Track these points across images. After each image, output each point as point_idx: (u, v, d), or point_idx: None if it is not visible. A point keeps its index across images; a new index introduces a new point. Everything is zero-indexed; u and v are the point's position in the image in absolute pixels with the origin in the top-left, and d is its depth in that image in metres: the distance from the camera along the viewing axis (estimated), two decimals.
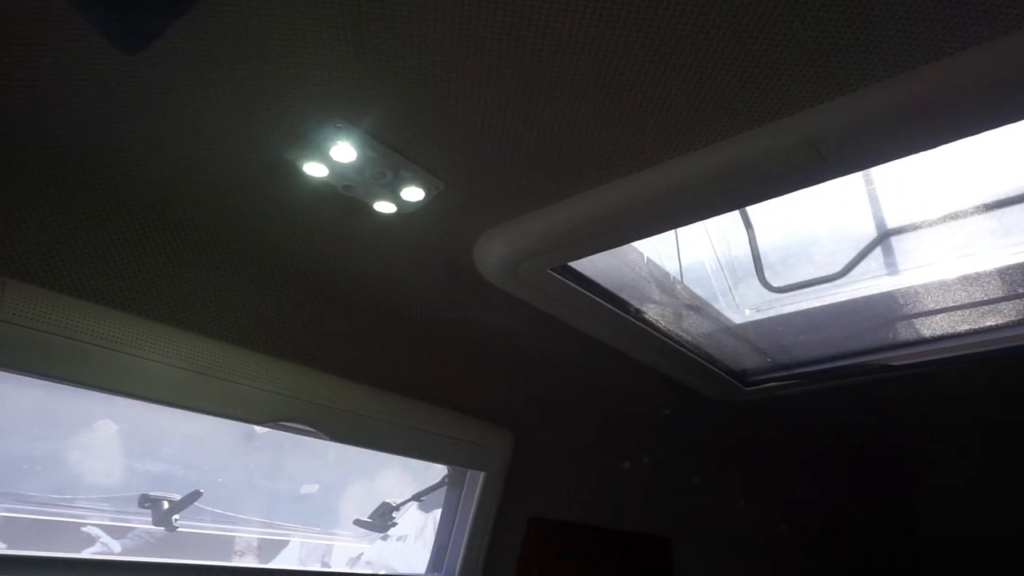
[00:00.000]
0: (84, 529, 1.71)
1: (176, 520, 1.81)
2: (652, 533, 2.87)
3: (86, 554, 1.34)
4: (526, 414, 2.11)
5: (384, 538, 2.21)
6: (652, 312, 1.80)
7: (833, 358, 2.06)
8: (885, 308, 2.06)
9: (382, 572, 1.90)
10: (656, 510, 2.87)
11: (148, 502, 1.78)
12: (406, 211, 1.23)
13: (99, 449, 1.65)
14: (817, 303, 2.17)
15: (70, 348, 1.16)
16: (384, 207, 1.21)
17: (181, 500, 1.80)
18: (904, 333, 2.04)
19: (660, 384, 2.14)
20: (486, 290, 1.52)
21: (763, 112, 1.01)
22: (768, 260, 2.23)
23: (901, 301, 1.95)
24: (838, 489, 3.23)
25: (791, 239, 2.31)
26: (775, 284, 2.21)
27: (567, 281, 1.49)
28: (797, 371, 2.09)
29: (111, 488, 1.72)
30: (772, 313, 2.23)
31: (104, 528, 1.75)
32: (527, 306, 1.60)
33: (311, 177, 1.14)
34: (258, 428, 1.97)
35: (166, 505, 1.80)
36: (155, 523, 1.78)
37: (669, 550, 2.96)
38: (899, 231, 1.97)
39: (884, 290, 2.03)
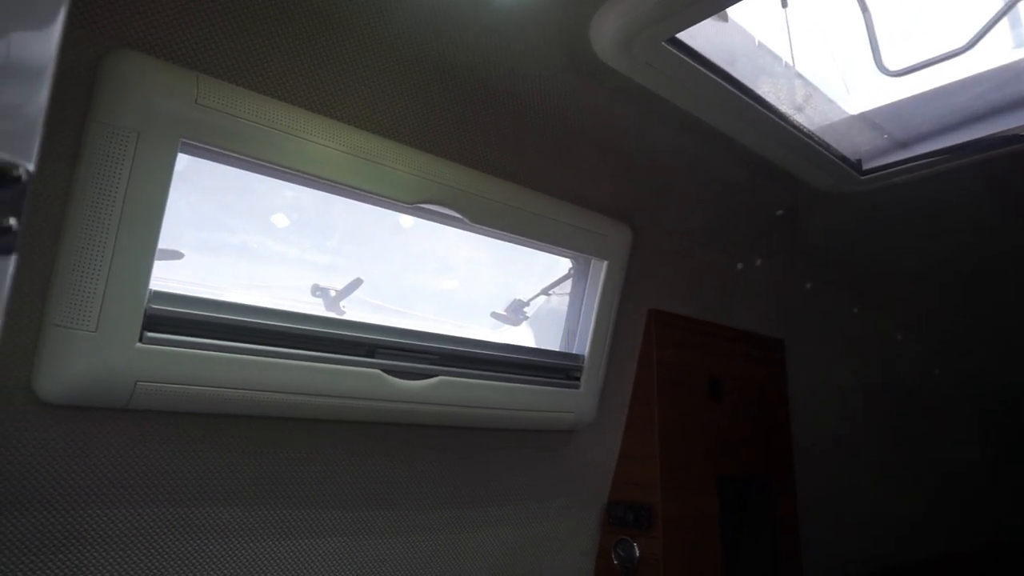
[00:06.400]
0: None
1: (343, 306, 2.12)
2: (765, 334, 3.01)
3: None
4: (643, 209, 2.24)
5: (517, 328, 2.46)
6: (765, 93, 1.85)
7: (956, 134, 2.04)
8: (1016, 78, 1.99)
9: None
10: (769, 311, 2.99)
11: (319, 290, 2.08)
12: None
13: (276, 242, 1.93)
14: (938, 82, 2.13)
15: (253, 130, 1.38)
16: None
17: (345, 288, 2.09)
18: None
19: (772, 176, 2.20)
20: (603, 75, 1.62)
21: None
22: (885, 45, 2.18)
23: None
24: (953, 290, 3.22)
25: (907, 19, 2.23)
26: (892, 68, 2.17)
27: (682, 56, 1.57)
28: (918, 151, 2.09)
29: (289, 277, 2.03)
30: (890, 97, 2.21)
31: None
32: (643, 91, 1.69)
33: None
34: (403, 223, 2.22)
35: (333, 293, 2.10)
36: (327, 308, 2.08)
37: (782, 350, 3.11)
38: None
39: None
